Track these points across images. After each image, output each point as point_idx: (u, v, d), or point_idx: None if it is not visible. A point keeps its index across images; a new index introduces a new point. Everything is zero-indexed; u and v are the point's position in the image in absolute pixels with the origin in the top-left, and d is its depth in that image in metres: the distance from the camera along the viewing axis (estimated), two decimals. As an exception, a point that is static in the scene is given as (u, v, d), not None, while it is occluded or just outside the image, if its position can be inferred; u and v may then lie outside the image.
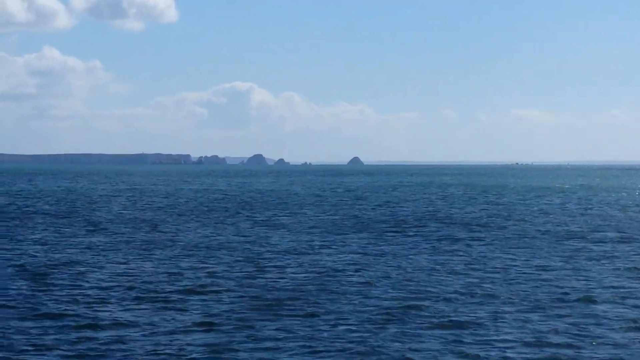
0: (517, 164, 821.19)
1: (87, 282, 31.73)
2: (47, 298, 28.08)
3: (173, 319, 24.77)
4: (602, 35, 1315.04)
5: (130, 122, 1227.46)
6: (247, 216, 68.13)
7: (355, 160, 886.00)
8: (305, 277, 33.07)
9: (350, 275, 33.65)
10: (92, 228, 55.72)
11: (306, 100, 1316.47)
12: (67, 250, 42.34)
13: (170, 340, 22.01)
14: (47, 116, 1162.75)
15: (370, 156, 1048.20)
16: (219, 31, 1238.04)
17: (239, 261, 37.88)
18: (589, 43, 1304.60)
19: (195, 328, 23.54)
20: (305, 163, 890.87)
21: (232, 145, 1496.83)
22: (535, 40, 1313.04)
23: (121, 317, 24.83)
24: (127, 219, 64.12)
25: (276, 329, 23.32)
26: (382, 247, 44.05)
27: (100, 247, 43.89)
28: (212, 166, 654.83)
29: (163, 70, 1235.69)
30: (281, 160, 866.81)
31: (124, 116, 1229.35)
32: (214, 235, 51.03)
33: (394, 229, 55.32)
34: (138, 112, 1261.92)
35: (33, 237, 49.30)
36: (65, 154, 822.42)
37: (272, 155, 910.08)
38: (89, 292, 29.41)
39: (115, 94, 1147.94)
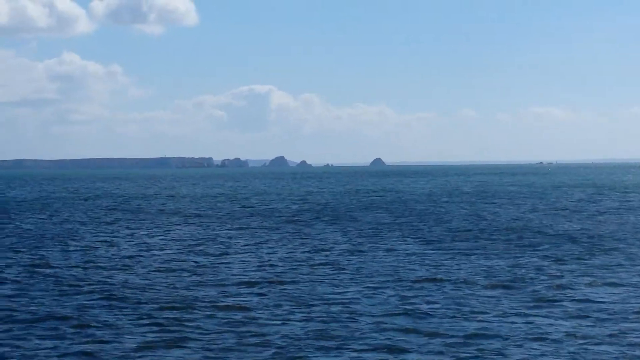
0: (541, 163, 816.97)
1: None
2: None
3: None
4: (621, 32, 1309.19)
5: (150, 126, 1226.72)
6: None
7: (378, 161, 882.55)
8: None
9: None
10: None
11: (325, 101, 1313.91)
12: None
13: None
14: (68, 121, 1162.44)
15: (392, 157, 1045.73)
16: (238, 34, 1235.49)
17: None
18: (608, 40, 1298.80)
19: None
20: (327, 165, 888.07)
21: (252, 147, 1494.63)
22: (553, 37, 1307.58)
23: None
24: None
25: None
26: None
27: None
28: (236, 169, 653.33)
29: (182, 74, 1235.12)
30: (303, 162, 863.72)
31: (144, 120, 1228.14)
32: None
33: None
34: (157, 115, 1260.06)
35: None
36: (87, 159, 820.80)
37: (293, 157, 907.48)
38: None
39: (135, 98, 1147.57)
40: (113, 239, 52.57)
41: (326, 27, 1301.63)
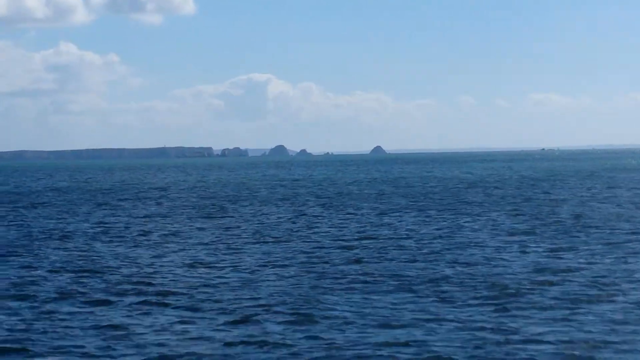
0: (543, 149, 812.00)
1: None
2: None
3: None
4: (620, 18, 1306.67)
5: (148, 116, 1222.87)
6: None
7: (378, 149, 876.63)
8: None
9: None
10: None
11: (323, 90, 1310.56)
12: None
13: None
14: (66, 111, 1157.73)
15: (392, 145, 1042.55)
16: (236, 23, 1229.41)
17: None
18: (606, 26, 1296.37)
19: None
20: (328, 153, 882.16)
21: (252, 136, 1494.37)
22: (551, 23, 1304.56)
23: None
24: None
25: None
26: None
27: None
28: (236, 158, 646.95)
29: (180, 63, 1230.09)
30: (303, 150, 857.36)
31: (142, 110, 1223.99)
32: None
33: None
34: (155, 105, 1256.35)
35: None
36: (86, 149, 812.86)
37: (293, 146, 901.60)
38: None
39: (132, 88, 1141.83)
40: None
41: (324, 16, 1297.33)
